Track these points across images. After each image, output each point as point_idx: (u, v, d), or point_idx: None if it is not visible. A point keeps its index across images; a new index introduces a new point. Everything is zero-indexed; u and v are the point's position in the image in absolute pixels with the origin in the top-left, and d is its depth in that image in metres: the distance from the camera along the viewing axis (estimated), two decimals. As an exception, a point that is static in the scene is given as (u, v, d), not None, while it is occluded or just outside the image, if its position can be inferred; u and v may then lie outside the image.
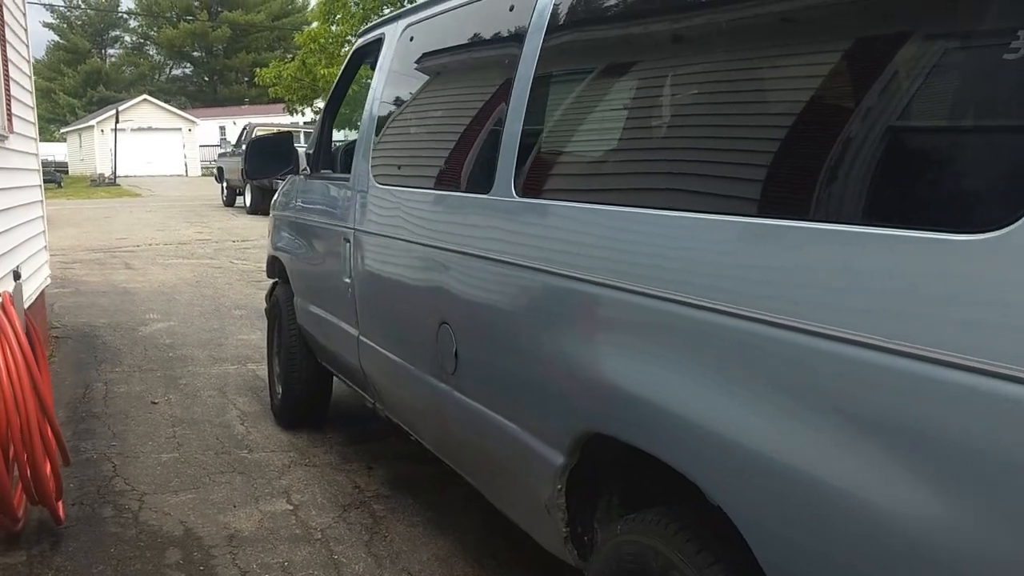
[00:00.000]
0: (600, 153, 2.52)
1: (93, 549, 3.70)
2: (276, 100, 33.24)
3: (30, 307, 5.85)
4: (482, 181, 2.79)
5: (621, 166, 2.36)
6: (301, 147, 5.76)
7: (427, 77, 3.90)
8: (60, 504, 3.86)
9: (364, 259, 3.82)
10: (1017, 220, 1.26)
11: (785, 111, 1.83)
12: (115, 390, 6.10)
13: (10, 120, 6.13)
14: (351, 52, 4.71)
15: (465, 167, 3.12)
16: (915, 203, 1.47)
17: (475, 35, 3.37)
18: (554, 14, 2.60)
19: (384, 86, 3.96)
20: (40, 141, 7.82)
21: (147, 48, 75.50)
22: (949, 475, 1.36)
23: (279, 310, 5.34)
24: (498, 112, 2.82)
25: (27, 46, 7.42)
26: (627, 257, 2.13)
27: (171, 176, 46.71)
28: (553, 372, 2.38)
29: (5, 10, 6.29)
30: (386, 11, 25.10)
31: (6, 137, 5.96)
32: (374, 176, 3.77)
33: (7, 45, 6.27)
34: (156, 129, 49.76)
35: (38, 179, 7.47)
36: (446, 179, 3.25)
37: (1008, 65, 1.35)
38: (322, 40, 25.73)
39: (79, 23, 73.15)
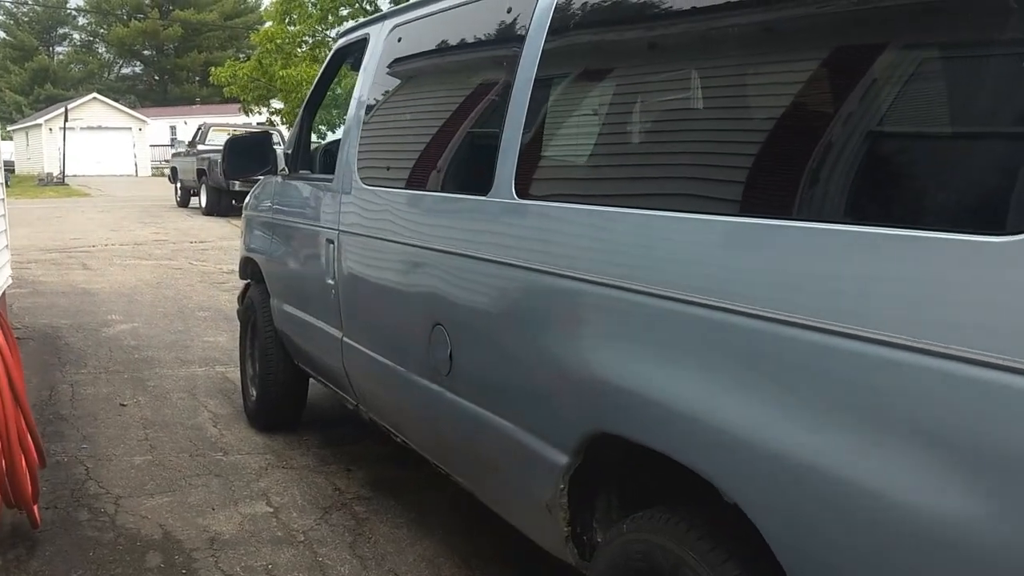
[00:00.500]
0: (603, 155, 2.53)
1: (71, 553, 3.63)
2: (230, 100, 32.78)
3: (-6, 307, 5.73)
4: (480, 183, 2.78)
5: (627, 169, 2.39)
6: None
7: (418, 78, 3.88)
8: (36, 507, 3.78)
9: (349, 261, 3.79)
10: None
11: (802, 114, 1.86)
12: (82, 392, 5.99)
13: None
14: (332, 52, 4.68)
15: (462, 169, 3.13)
16: (943, 206, 1.51)
17: (470, 36, 3.37)
18: (555, 17, 2.61)
19: (370, 87, 3.92)
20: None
21: (96, 46, 74.11)
22: (974, 472, 1.40)
23: (254, 312, 5.25)
24: (497, 114, 2.82)
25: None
26: (635, 259, 2.15)
27: (121, 176, 45.78)
28: (559, 373, 2.38)
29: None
30: (343, 12, 24.95)
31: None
32: (360, 177, 3.75)
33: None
34: (106, 128, 48.72)
35: (-3, 178, 7.31)
36: (441, 181, 3.24)
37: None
38: (279, 40, 25.49)
39: (26, 19, 71.58)
